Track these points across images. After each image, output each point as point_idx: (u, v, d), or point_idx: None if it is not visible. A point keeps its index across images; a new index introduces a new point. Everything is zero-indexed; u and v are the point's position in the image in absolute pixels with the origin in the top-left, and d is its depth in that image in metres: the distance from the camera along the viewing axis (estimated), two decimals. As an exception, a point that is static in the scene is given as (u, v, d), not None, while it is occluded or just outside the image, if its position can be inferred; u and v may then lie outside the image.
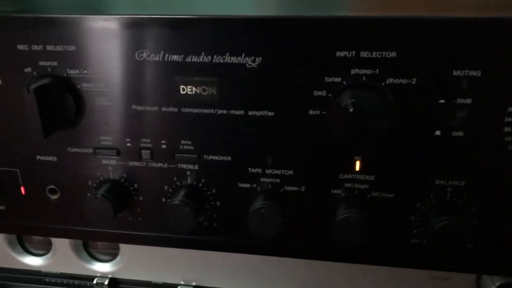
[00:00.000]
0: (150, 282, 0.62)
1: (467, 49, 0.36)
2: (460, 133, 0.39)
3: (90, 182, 0.47)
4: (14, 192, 0.49)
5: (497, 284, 0.49)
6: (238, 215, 0.45)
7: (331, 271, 0.55)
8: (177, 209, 0.43)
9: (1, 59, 0.43)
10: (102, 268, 0.62)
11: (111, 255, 0.62)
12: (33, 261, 0.64)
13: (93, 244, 0.62)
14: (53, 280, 0.65)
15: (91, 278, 0.63)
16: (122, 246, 0.60)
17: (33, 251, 0.64)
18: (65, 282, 0.65)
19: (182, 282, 0.60)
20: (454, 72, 0.37)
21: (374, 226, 0.42)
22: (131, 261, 0.61)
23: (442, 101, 0.38)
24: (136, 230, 0.48)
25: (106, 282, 0.62)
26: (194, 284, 0.60)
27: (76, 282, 0.64)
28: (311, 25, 0.38)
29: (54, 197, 0.48)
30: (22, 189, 0.48)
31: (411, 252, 0.44)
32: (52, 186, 0.48)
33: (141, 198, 0.47)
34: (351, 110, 0.36)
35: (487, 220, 0.42)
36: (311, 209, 0.44)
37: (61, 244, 0.61)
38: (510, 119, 0.38)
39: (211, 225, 0.46)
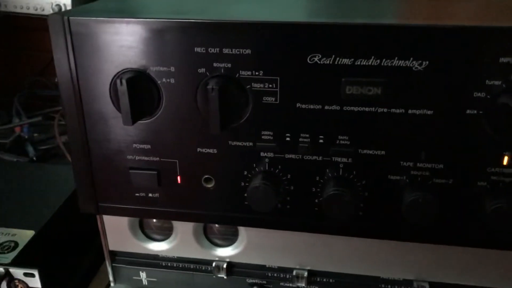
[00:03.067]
0: (265, 266, 0.66)
1: None
2: None
3: (245, 172, 0.51)
4: (170, 181, 0.53)
5: None
6: (385, 205, 0.50)
7: (446, 256, 0.59)
8: (337, 198, 0.47)
9: (179, 60, 0.47)
10: (220, 252, 0.67)
11: (229, 241, 0.67)
12: (153, 246, 0.68)
13: (211, 230, 0.67)
14: (169, 264, 0.69)
15: (209, 262, 0.67)
16: (241, 232, 0.65)
17: (152, 236, 0.69)
18: (180, 266, 0.69)
19: (297, 266, 0.65)
20: None
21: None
22: (248, 246, 0.65)
23: None
24: (285, 216, 0.53)
25: (224, 266, 0.66)
26: (308, 268, 0.64)
27: (192, 265, 0.69)
28: (478, 34, 0.42)
29: (208, 185, 0.53)
30: (179, 178, 0.53)
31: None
32: (208, 176, 0.52)
33: (292, 188, 0.51)
34: (521, 110, 0.40)
35: None
36: (457, 200, 0.48)
37: (183, 230, 0.65)
38: None
39: (357, 213, 0.51)
